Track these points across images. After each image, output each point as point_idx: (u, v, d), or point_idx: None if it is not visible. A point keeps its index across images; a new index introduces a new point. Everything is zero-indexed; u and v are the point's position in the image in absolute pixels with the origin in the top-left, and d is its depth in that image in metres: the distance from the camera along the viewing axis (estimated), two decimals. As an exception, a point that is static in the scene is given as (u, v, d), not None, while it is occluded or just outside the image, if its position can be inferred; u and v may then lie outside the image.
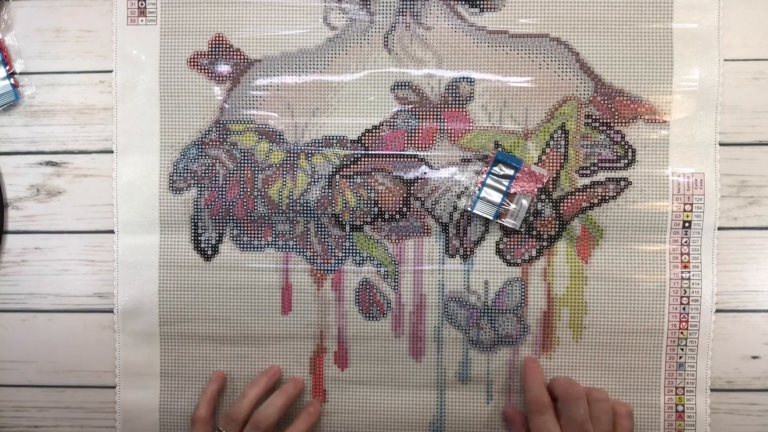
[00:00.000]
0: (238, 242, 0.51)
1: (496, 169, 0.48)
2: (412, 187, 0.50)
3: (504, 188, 0.48)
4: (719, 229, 0.49)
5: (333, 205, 0.50)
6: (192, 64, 0.51)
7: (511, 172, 0.47)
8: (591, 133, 0.49)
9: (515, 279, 0.50)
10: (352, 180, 0.50)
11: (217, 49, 0.51)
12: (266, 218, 0.51)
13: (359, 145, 0.50)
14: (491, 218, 0.48)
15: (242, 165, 0.51)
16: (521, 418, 0.48)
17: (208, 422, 0.49)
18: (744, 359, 0.49)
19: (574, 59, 0.49)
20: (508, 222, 0.48)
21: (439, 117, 0.50)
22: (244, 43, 0.51)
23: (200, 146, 0.51)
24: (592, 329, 0.49)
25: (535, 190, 0.48)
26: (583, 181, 0.49)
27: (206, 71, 0.51)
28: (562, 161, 0.49)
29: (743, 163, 0.49)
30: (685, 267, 0.49)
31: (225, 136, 0.51)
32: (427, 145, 0.50)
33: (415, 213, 0.50)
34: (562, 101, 0.49)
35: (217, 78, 0.51)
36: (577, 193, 0.49)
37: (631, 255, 0.49)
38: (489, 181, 0.48)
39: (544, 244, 0.49)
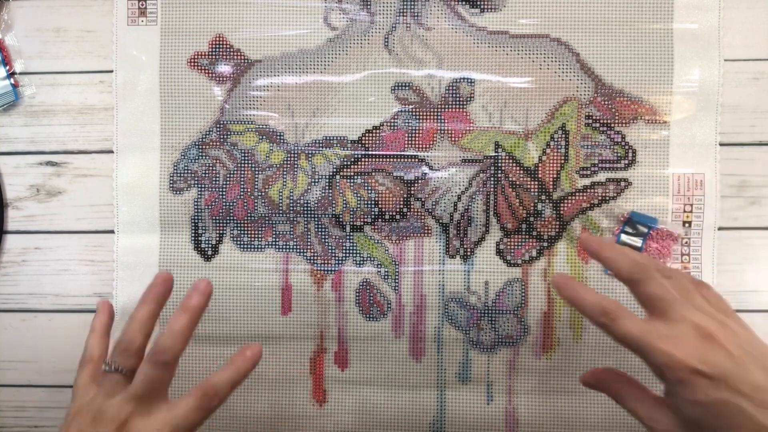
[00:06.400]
0: (239, 242, 0.51)
1: (628, 228, 0.48)
2: (412, 188, 0.50)
3: (639, 246, 0.48)
4: (719, 229, 0.49)
5: (333, 205, 0.50)
6: (192, 64, 0.51)
7: (644, 230, 0.48)
8: (591, 134, 0.49)
9: (515, 279, 0.50)
10: (352, 180, 0.50)
11: (217, 50, 0.51)
12: (266, 218, 0.51)
13: (360, 145, 0.50)
14: None
15: (242, 165, 0.51)
16: (609, 376, 0.38)
17: (98, 355, 0.40)
18: (744, 360, 0.49)
19: (574, 60, 0.49)
20: None
21: (439, 117, 0.50)
22: (244, 43, 0.51)
23: (200, 146, 0.51)
24: (593, 330, 0.49)
25: (670, 251, 0.48)
26: (583, 181, 0.49)
27: (206, 71, 0.51)
28: (563, 161, 0.49)
29: (743, 163, 0.49)
30: (686, 267, 0.49)
31: (225, 137, 0.51)
32: (427, 146, 0.50)
33: (415, 213, 0.50)
34: (562, 102, 0.49)
35: (217, 78, 0.51)
36: (577, 194, 0.49)
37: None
38: (623, 238, 0.48)
39: (545, 244, 0.49)
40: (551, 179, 0.49)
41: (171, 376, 0.37)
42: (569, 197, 0.49)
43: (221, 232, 0.51)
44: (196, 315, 0.38)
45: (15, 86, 0.51)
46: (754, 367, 0.32)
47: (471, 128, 0.50)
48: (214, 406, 0.36)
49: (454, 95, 0.50)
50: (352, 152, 0.50)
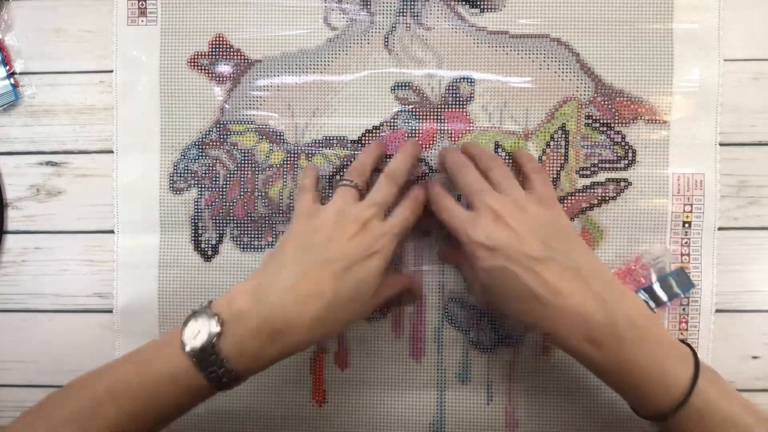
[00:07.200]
0: (239, 243, 0.51)
1: (669, 279, 0.48)
2: (412, 188, 0.50)
3: (665, 301, 0.49)
4: (719, 229, 0.49)
5: (333, 205, 0.50)
6: (192, 64, 0.51)
7: (678, 291, 0.49)
8: (591, 134, 0.49)
9: (515, 279, 0.50)
10: (352, 180, 0.50)
11: (217, 50, 0.51)
12: (267, 219, 0.51)
13: (360, 145, 0.50)
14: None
15: (243, 165, 0.51)
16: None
17: (315, 189, 0.47)
18: (744, 359, 0.50)
19: (574, 60, 0.49)
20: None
21: (439, 117, 0.50)
22: (244, 43, 0.51)
23: (200, 146, 0.51)
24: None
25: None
26: (583, 181, 0.49)
27: (206, 71, 0.51)
28: (563, 162, 0.49)
29: (743, 163, 0.49)
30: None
31: (225, 137, 0.51)
32: (427, 146, 0.50)
33: (415, 213, 0.50)
34: (562, 102, 0.49)
35: (217, 78, 0.51)
36: (577, 194, 0.49)
37: (632, 256, 0.49)
38: (656, 288, 0.49)
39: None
40: (551, 179, 0.49)
41: (395, 195, 0.44)
42: (569, 197, 0.49)
43: (221, 232, 0.51)
44: (414, 161, 0.46)
45: (15, 86, 0.51)
46: (532, 240, 0.39)
47: (471, 128, 0.50)
48: (421, 210, 0.45)
49: (454, 95, 0.50)
50: (353, 152, 0.50)
